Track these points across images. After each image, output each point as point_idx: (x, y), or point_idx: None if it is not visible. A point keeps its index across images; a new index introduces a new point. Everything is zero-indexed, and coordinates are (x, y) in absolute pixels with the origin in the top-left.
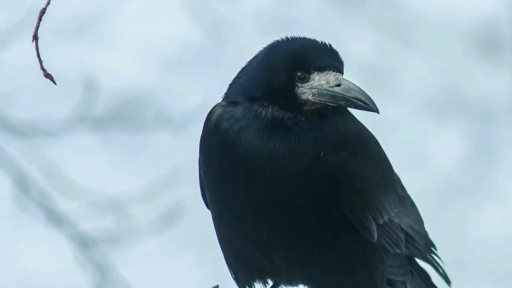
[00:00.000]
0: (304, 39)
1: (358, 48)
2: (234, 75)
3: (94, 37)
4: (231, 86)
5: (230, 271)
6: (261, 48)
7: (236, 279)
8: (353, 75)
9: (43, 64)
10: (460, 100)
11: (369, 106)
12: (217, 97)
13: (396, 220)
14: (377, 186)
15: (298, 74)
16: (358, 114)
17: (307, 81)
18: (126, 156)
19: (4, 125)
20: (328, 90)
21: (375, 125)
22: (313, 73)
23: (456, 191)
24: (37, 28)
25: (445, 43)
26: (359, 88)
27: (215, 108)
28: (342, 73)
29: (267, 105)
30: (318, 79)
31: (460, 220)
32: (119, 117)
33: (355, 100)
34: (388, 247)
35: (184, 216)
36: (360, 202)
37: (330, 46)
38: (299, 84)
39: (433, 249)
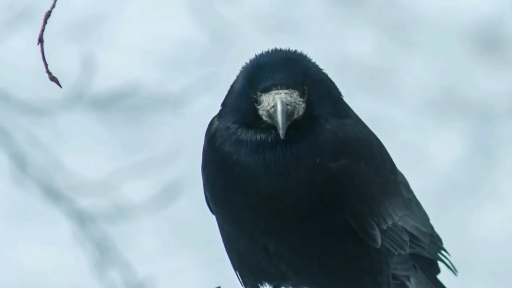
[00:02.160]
0: (264, 56)
1: (358, 48)
2: (233, 76)
3: (96, 37)
4: (222, 105)
5: (237, 274)
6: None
7: (243, 282)
8: (353, 75)
9: (49, 67)
10: (460, 100)
11: (279, 129)
12: (217, 99)
13: (400, 223)
14: (381, 191)
15: (253, 97)
16: (361, 113)
17: (260, 103)
18: (124, 136)
19: (3, 103)
20: (268, 112)
21: (375, 126)
22: (260, 96)
23: (456, 191)
24: (42, 31)
25: (445, 43)
26: (281, 110)
27: (215, 119)
28: (293, 85)
29: (244, 129)
30: (265, 100)
31: (461, 220)
32: (118, 98)
33: (277, 122)
34: (392, 250)
35: (184, 216)
36: (364, 209)
37: (284, 59)
38: (258, 107)
39: (439, 243)
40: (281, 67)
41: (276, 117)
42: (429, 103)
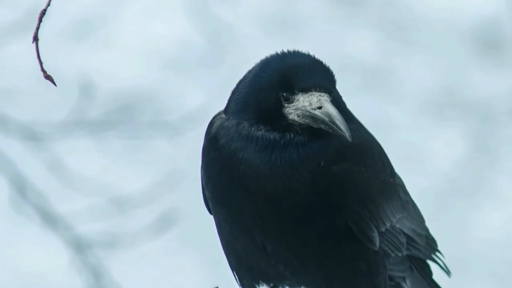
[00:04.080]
0: (294, 55)
1: (358, 48)
2: (235, 78)
3: (95, 39)
4: (229, 99)
5: (234, 275)
6: (257, 61)
7: (241, 283)
8: (353, 75)
9: (44, 65)
10: (460, 100)
11: (343, 132)
12: (217, 100)
13: (398, 225)
14: (380, 194)
15: (284, 95)
16: (361, 113)
17: (292, 102)
18: (123, 159)
19: (2, 126)
20: (310, 112)
21: (375, 126)
22: (297, 94)
23: (456, 191)
24: (37, 29)
25: (445, 43)
26: (337, 113)
27: (215, 119)
28: (330, 90)
29: (259, 126)
30: (303, 100)
31: (460, 220)
32: (117, 120)
33: (332, 125)
34: (390, 252)
35: (183, 217)
36: (363, 212)
37: (320, 63)
38: (286, 105)
39: (434, 245)
40: (319, 70)
41: (334, 121)
42: (429, 103)
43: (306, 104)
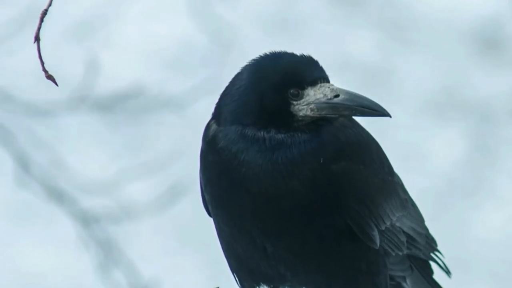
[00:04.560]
0: (286, 54)
1: (358, 48)
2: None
3: (98, 38)
4: (219, 111)
5: (235, 277)
6: (243, 66)
7: (241, 285)
8: (353, 75)
9: (45, 65)
10: (460, 100)
11: (379, 111)
12: (216, 100)
13: (398, 224)
14: (379, 193)
15: (291, 91)
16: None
17: (302, 98)
18: (127, 137)
19: (6, 104)
20: (327, 103)
21: (375, 126)
22: (306, 88)
23: (456, 191)
24: (38, 29)
25: (445, 43)
26: (362, 94)
27: (212, 122)
28: (329, 81)
29: (262, 129)
30: (314, 94)
31: (460, 220)
32: (120, 99)
33: (362, 108)
34: (390, 250)
35: (185, 216)
36: (363, 210)
37: (311, 57)
38: (294, 102)
39: (433, 245)
40: (316, 63)
41: (363, 98)
42: (429, 103)
43: (320, 96)
